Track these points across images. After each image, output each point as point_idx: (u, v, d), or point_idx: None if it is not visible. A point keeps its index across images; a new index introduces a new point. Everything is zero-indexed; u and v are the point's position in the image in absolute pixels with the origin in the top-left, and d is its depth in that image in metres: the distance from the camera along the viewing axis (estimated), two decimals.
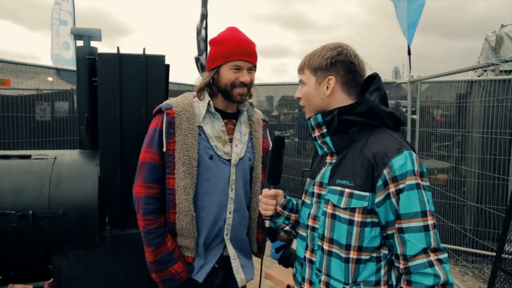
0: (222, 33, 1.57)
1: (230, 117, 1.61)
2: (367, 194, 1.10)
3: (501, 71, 4.26)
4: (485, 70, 4.31)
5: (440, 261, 1.04)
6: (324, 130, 1.22)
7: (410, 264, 1.05)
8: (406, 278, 1.06)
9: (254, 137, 1.67)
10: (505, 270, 2.69)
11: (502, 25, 4.37)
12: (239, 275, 1.59)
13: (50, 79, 4.67)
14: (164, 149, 1.48)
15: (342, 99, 1.21)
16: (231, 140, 1.58)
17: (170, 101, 1.55)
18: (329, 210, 1.18)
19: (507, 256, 2.79)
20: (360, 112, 1.16)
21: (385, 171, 1.07)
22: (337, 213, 1.15)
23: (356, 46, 1.28)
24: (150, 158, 1.50)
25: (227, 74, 1.50)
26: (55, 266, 1.98)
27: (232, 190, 1.56)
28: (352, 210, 1.12)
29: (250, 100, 1.63)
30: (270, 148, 1.45)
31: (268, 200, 1.34)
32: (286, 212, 1.41)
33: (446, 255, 1.07)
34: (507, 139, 3.91)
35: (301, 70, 1.28)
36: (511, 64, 4.04)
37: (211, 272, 1.56)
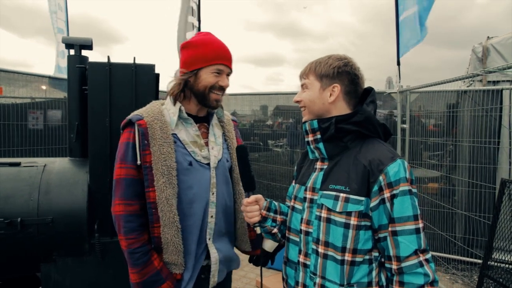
0: (198, 37, 1.55)
1: (202, 121, 1.59)
2: (362, 198, 1.16)
3: (488, 82, 4.34)
4: (473, 81, 4.39)
5: (427, 261, 1.13)
6: (318, 136, 1.27)
7: (403, 265, 1.12)
8: (399, 279, 1.14)
9: (228, 137, 1.66)
10: (492, 277, 2.72)
11: (488, 37, 4.46)
12: (213, 278, 1.55)
13: (43, 87, 4.68)
14: (139, 162, 1.42)
15: (342, 108, 1.28)
16: (206, 144, 1.56)
17: (139, 111, 1.50)
18: (323, 214, 1.22)
19: (494, 263, 2.83)
20: (357, 122, 1.22)
21: (380, 177, 1.14)
22: (332, 217, 1.19)
23: (350, 55, 1.33)
24: (126, 174, 1.43)
25: (207, 77, 1.48)
26: (44, 274, 1.98)
27: (213, 194, 1.52)
28: (348, 214, 1.17)
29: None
30: (236, 159, 1.43)
31: (251, 207, 1.37)
32: (272, 214, 1.44)
33: (430, 254, 1.15)
34: (494, 148, 3.97)
35: (305, 75, 1.33)
36: (498, 75, 4.13)
37: (198, 282, 1.52)
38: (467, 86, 4.51)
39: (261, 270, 1.48)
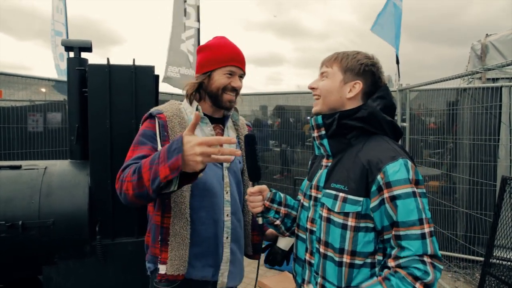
0: (212, 41, 1.59)
1: (217, 122, 1.62)
2: (360, 199, 1.11)
3: (488, 79, 4.34)
4: (472, 78, 4.39)
5: (433, 265, 1.03)
6: (323, 132, 1.24)
7: (402, 261, 1.03)
8: (396, 266, 1.05)
9: (241, 140, 1.68)
10: (494, 274, 2.72)
11: (487, 34, 4.46)
12: (222, 278, 1.55)
13: (43, 90, 4.67)
14: (160, 147, 1.41)
15: (357, 105, 1.23)
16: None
17: (158, 107, 1.54)
18: (324, 213, 1.19)
19: (496, 261, 2.83)
20: (360, 117, 1.17)
21: (378, 177, 1.08)
22: (331, 217, 1.16)
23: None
24: (138, 153, 1.39)
25: (220, 78, 1.52)
26: (45, 277, 1.98)
27: (227, 192, 1.55)
28: (346, 214, 1.12)
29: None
30: (244, 147, 1.43)
31: (254, 197, 1.35)
32: (275, 206, 1.41)
33: (442, 266, 1.06)
34: (494, 145, 3.98)
35: (328, 63, 1.27)
36: (497, 72, 4.13)
37: (205, 283, 1.53)
38: (467, 84, 4.51)
39: (257, 267, 1.44)
